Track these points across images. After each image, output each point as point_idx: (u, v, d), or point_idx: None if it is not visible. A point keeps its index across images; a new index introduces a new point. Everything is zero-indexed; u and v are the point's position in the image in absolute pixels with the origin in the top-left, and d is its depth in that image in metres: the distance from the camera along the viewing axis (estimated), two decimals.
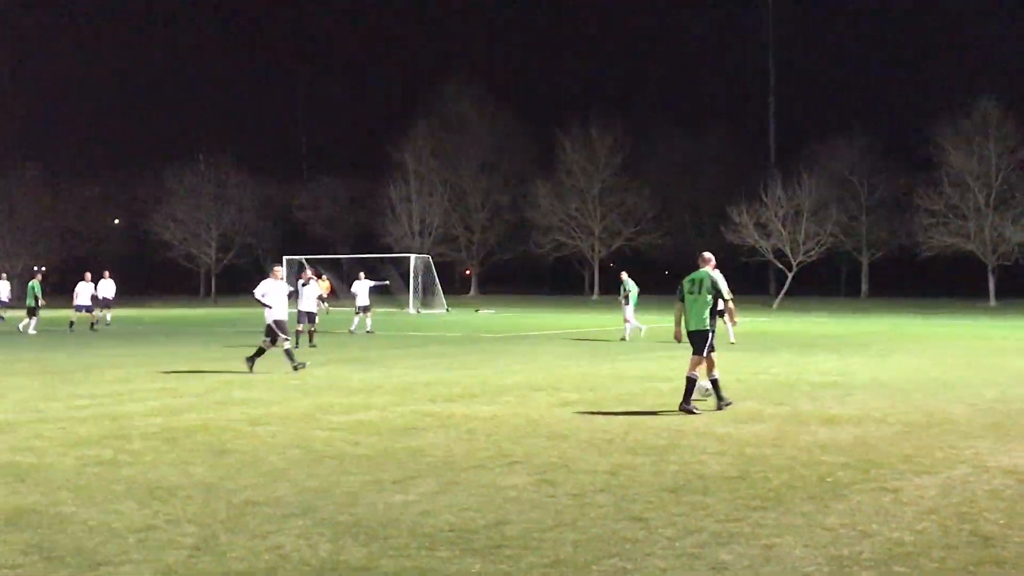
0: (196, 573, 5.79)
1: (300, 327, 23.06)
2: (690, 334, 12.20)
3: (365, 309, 30.53)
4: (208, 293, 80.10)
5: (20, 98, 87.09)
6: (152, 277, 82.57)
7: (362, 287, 30.33)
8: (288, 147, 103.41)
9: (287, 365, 16.98)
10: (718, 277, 12.17)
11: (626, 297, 26.34)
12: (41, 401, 13.02)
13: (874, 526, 6.91)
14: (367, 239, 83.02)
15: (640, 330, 26.68)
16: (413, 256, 55.53)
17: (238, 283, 61.94)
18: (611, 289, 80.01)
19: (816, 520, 7.05)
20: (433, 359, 18.94)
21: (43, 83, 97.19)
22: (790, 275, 59.98)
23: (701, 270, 12.52)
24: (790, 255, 65.28)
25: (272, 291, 17.55)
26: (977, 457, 9.31)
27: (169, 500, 7.56)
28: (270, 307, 17.27)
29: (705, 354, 12.05)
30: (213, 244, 78.79)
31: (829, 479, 8.37)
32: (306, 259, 47.33)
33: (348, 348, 23.03)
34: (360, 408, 12.51)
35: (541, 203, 79.77)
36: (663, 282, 61.63)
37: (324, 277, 34.50)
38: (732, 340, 22.98)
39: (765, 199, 67.01)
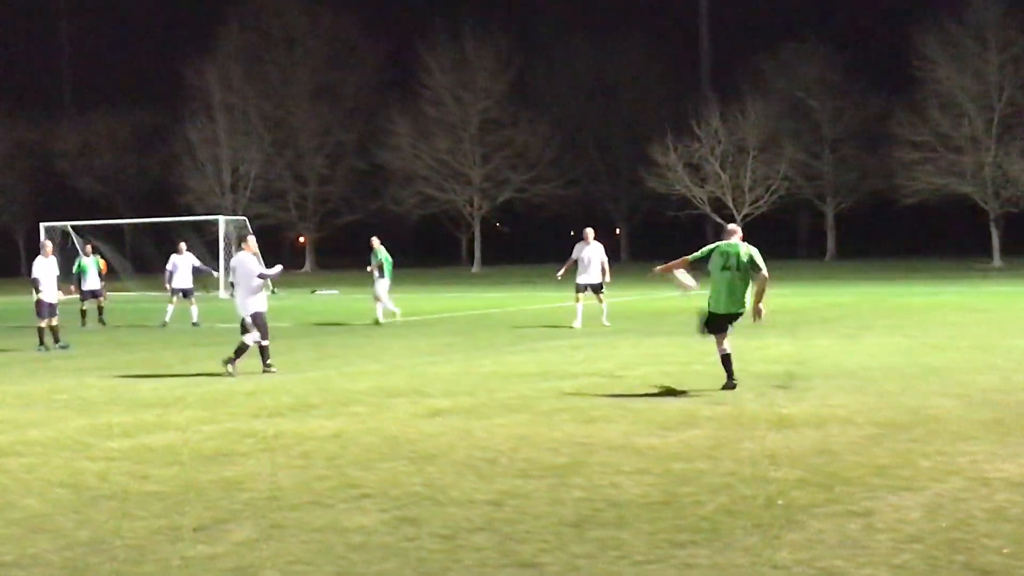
0: None
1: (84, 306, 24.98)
2: (722, 317, 14.20)
3: (187, 294, 31.45)
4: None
5: None
6: None
7: (184, 264, 30.91)
8: (45, 71, 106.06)
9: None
10: (755, 251, 14.13)
11: (379, 268, 28.65)
12: None
13: (839, 562, 7.10)
14: (159, 197, 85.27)
15: (395, 313, 28.90)
16: (223, 219, 56.44)
17: None
18: (497, 257, 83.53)
19: (764, 556, 7.23)
20: (256, 359, 18.75)
21: None
22: None
23: (732, 242, 14.35)
24: (732, 206, 67.11)
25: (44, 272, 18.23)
26: (973, 466, 9.63)
27: None
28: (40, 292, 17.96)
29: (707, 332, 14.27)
30: None
31: (780, 501, 8.64)
32: (72, 226, 50.72)
33: (134, 347, 23.76)
34: (152, 428, 12.72)
35: (399, 143, 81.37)
36: (568, 244, 62.30)
37: (96, 251, 35.72)
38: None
39: (698, 132, 70.09)
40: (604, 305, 25.87)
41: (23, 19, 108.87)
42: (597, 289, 26.33)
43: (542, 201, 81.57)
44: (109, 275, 37.02)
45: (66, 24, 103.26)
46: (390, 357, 20.05)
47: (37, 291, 23.14)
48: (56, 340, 23.85)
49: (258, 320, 18.17)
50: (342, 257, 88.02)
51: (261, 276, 18.49)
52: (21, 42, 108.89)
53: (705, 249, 14.55)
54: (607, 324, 25.60)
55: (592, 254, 26.27)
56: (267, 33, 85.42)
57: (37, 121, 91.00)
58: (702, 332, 14.80)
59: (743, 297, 14.17)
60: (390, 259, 28.72)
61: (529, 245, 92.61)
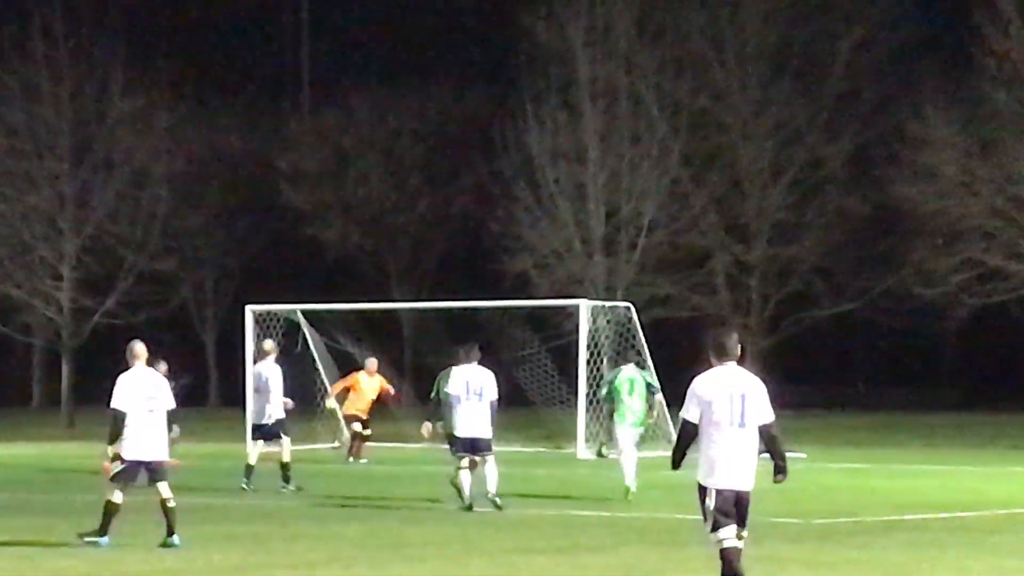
0: None
1: None
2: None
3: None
4: (51, 398, 68.24)
5: None
6: None
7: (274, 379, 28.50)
8: (274, 35, 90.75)
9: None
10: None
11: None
12: None
13: None
14: (468, 257, 70.79)
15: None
16: (585, 304, 42.91)
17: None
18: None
19: None
20: None
21: None
22: None
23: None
24: None
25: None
26: None
27: None
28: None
29: None
30: (67, 272, 59.49)
31: None
32: (303, 311, 44.57)
33: None
34: None
35: (935, 161, 57.58)
36: None
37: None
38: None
39: None
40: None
41: None
42: None
43: None
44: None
45: None
46: None
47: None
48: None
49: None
50: (815, 386, 69.26)
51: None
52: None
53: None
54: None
55: None
56: None
57: (248, 118, 72.86)
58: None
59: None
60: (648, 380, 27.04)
61: None
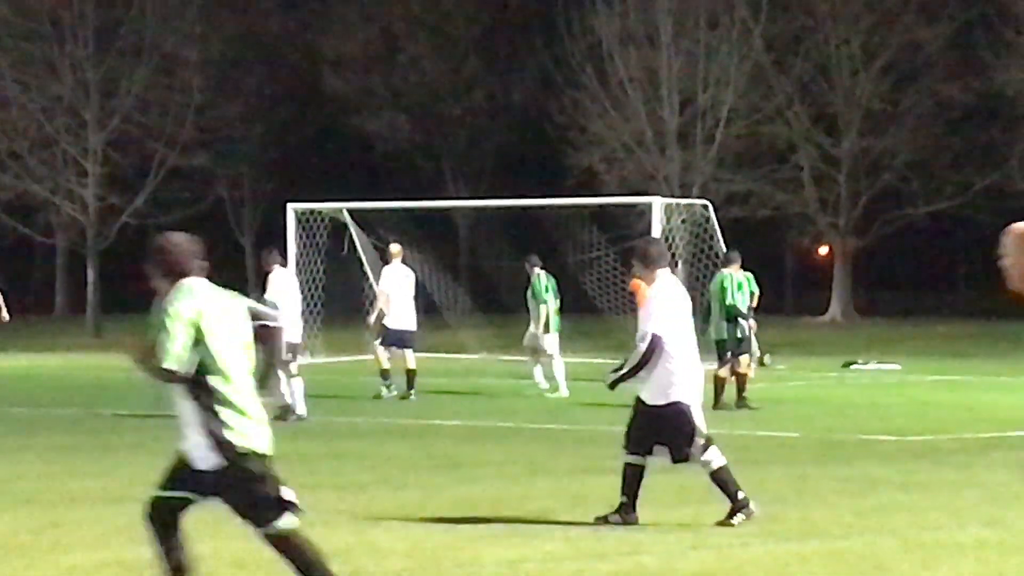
0: None
1: None
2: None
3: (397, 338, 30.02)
4: (77, 305, 67.93)
5: None
6: None
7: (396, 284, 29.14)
8: None
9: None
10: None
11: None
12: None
13: None
14: (529, 152, 71.31)
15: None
16: (658, 202, 39.50)
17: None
18: None
19: None
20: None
21: None
22: None
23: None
24: None
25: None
26: None
27: None
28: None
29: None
30: (92, 168, 59.29)
31: None
32: (348, 209, 42.44)
33: None
34: None
35: None
36: None
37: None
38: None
39: None
40: None
41: None
42: None
43: None
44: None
45: None
46: (1013, 516, 14.38)
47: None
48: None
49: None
50: (910, 292, 75.51)
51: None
52: None
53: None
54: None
55: None
56: None
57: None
58: None
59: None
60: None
61: None
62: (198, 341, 8.57)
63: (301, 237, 41.31)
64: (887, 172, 66.11)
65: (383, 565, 11.41)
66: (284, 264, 28.36)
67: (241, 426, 8.45)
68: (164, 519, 8.55)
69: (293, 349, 26.78)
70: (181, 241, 9.11)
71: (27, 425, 24.53)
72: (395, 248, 30.97)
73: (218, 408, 8.49)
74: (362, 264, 40.06)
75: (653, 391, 13.21)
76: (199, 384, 8.70)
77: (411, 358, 29.01)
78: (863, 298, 74.66)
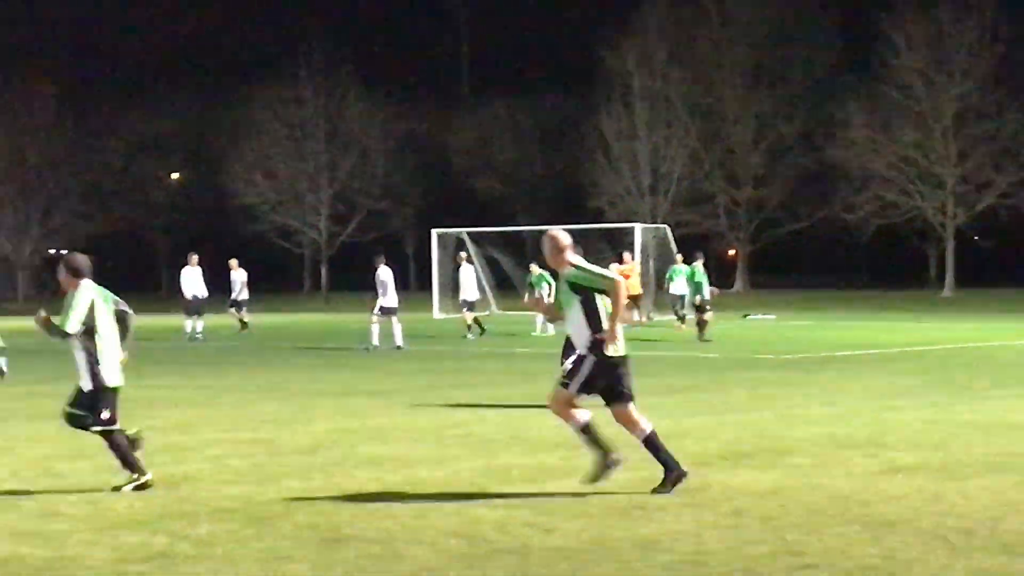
0: None
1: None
2: None
3: (468, 306, 38.41)
4: (316, 287, 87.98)
5: None
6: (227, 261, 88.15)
7: (468, 276, 37.61)
8: (441, 56, 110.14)
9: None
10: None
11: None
12: (57, 461, 13.87)
13: None
14: (567, 200, 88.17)
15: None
16: (639, 227, 54.94)
17: (360, 274, 61.59)
18: (975, 278, 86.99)
19: None
20: (673, 395, 20.26)
21: None
22: None
23: None
24: None
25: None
26: None
27: None
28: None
29: None
30: (324, 211, 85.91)
31: None
32: (467, 232, 55.57)
33: (535, 376, 23.66)
34: (556, 473, 12.80)
35: (854, 136, 78.37)
36: None
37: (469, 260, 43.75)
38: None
39: None
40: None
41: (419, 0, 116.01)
42: None
43: None
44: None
45: (465, 5, 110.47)
46: (839, 399, 20.31)
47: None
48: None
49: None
50: (779, 274, 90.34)
51: None
52: (414, 24, 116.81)
53: None
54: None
55: None
56: (698, 6, 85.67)
57: (430, 111, 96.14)
58: None
59: None
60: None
61: (1017, 264, 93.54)
62: (89, 313, 12.87)
63: (440, 249, 57.91)
64: (766, 208, 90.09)
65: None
66: (386, 263, 34.69)
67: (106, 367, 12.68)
68: (77, 425, 12.72)
69: (390, 313, 34.00)
70: (81, 258, 13.44)
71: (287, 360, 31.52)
72: (462, 255, 43.06)
73: (96, 355, 12.82)
74: (473, 262, 48.54)
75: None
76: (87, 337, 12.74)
77: (469, 316, 39.14)
78: (753, 279, 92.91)
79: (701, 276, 37.24)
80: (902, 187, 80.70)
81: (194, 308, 38.38)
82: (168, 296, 70.51)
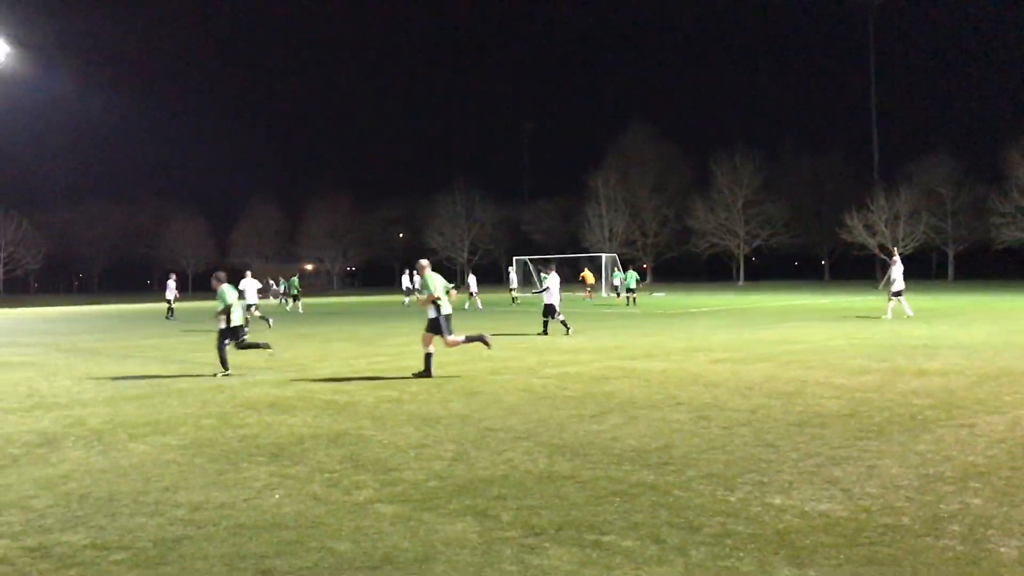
0: (453, 476, 9.48)
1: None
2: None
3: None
4: (462, 281, 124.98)
5: (335, 143, 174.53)
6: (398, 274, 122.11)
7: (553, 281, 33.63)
8: (516, 179, 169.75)
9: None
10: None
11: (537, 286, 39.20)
12: (353, 359, 20.05)
13: (954, 452, 10.11)
14: (572, 243, 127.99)
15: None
16: (604, 255, 78.42)
17: (481, 276, 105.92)
18: (756, 275, 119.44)
19: (909, 447, 10.29)
20: (622, 329, 24.35)
21: (355, 129, 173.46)
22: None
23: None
24: (892, 248, 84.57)
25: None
26: None
27: (435, 426, 11.80)
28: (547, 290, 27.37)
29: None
30: (465, 250, 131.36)
31: (919, 417, 12.02)
32: (529, 259, 73.02)
33: (608, 323, 30.70)
34: (569, 363, 17.55)
35: (699, 215, 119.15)
36: (791, 272, 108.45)
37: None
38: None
39: (871, 207, 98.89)
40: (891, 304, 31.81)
41: (500, 127, 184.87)
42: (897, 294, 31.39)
43: (779, 246, 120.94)
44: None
45: (527, 157, 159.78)
46: (691, 330, 26.65)
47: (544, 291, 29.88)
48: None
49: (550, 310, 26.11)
50: (667, 275, 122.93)
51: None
52: (502, 162, 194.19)
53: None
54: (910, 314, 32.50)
55: (898, 272, 31.40)
56: (629, 155, 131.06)
57: (511, 204, 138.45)
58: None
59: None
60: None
61: (771, 269, 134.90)
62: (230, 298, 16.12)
63: (517, 270, 66.38)
64: (659, 247, 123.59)
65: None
66: (474, 274, 48.40)
67: None
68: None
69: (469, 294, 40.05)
70: (222, 272, 16.75)
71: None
72: (513, 267, 51.67)
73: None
74: (540, 279, 54.49)
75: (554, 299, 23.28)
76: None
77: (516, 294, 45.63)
78: (656, 278, 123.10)
79: (631, 277, 44.98)
80: (720, 236, 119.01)
81: None
82: None
